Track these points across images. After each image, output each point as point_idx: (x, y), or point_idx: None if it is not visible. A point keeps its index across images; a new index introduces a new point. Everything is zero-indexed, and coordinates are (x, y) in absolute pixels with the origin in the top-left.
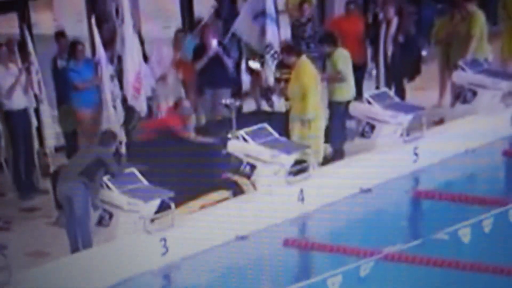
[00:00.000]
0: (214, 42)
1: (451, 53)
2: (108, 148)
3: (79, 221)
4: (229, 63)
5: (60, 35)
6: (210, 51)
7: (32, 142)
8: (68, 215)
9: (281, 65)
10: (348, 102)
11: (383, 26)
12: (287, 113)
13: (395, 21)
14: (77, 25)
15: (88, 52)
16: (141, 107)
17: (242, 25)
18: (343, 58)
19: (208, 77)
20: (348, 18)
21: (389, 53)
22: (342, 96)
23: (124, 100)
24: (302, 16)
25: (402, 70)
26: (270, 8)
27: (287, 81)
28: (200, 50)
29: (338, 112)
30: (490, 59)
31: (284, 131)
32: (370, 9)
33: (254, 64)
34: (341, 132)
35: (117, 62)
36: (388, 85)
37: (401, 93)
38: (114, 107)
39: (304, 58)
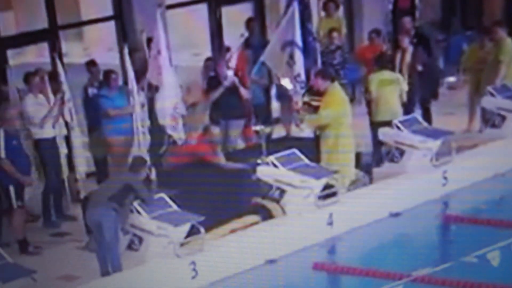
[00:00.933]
0: (229, 73)
1: (482, 79)
2: (138, 174)
3: (108, 246)
4: (245, 93)
5: (91, 64)
6: (225, 82)
7: (60, 170)
8: (98, 240)
9: (311, 92)
10: (386, 123)
11: (398, 55)
12: (316, 139)
13: (410, 50)
14: (108, 53)
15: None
16: (179, 136)
17: (271, 55)
18: (376, 80)
19: (223, 108)
20: (371, 46)
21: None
22: (381, 116)
23: (158, 128)
24: (332, 44)
25: (419, 96)
26: (298, 38)
27: (316, 108)
28: (215, 80)
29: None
30: None
31: (314, 156)
32: (386, 37)
33: (285, 82)
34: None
35: (147, 89)
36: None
37: (426, 118)
38: (143, 133)
39: (335, 84)
